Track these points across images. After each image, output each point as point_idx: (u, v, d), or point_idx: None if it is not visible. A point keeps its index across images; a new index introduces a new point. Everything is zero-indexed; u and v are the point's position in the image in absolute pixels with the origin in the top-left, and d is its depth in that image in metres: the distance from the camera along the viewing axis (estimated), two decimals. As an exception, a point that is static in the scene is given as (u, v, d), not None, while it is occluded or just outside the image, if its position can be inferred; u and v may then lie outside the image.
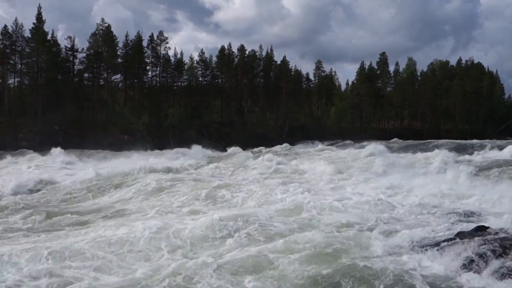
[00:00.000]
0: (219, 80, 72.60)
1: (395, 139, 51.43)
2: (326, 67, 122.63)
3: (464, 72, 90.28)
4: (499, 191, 12.81)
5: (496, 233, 7.67)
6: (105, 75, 64.16)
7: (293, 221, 9.92)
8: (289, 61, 77.70)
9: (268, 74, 75.70)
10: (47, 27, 57.35)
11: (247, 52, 74.27)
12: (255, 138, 55.12)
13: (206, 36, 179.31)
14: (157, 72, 68.01)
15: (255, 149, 40.46)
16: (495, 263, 6.68)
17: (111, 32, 62.87)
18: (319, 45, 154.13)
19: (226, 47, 71.90)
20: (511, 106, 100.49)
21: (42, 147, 38.76)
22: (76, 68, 62.22)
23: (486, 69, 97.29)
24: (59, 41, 62.12)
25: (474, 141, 37.19)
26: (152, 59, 67.11)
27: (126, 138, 52.32)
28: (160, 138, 53.89)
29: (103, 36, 62.35)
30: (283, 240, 8.20)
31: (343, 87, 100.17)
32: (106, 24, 63.03)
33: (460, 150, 29.13)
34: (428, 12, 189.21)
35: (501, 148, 27.89)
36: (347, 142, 49.74)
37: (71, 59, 61.24)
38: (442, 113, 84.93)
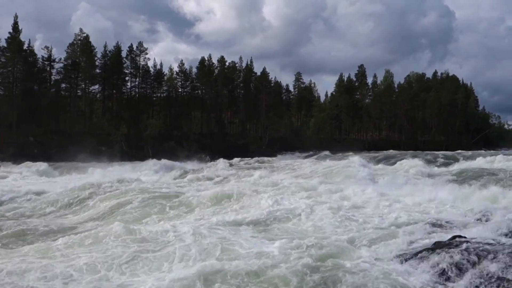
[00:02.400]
0: (199, 91, 72.47)
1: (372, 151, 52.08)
2: (306, 79, 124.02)
3: (440, 84, 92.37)
4: (474, 201, 13.04)
5: (472, 243, 7.78)
6: (83, 85, 63.39)
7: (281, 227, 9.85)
8: (269, 73, 78.29)
9: (248, 86, 75.98)
10: (23, 37, 56.54)
11: (227, 64, 74.49)
12: (235, 149, 55.12)
13: (186, 47, 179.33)
14: (136, 83, 67.54)
15: (234, 160, 40.51)
16: (471, 272, 6.76)
17: (90, 42, 62.27)
18: (299, 57, 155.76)
19: (206, 58, 72.01)
20: (485, 118, 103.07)
21: (17, 159, 37.92)
22: (53, 79, 61.33)
23: (461, 82, 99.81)
24: (36, 51, 61.28)
25: (450, 152, 37.95)
26: (131, 70, 66.66)
27: (104, 150, 51.62)
28: (139, 149, 53.35)
29: (81, 46, 61.69)
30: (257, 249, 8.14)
31: (322, 98, 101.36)
32: (85, 34, 62.47)
33: (436, 160, 29.74)
34: (406, 25, 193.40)
35: (474, 158, 28.78)
36: (326, 153, 50.13)
37: (48, 69, 60.38)
38: (419, 125, 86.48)
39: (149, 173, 28.33)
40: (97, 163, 36.92)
